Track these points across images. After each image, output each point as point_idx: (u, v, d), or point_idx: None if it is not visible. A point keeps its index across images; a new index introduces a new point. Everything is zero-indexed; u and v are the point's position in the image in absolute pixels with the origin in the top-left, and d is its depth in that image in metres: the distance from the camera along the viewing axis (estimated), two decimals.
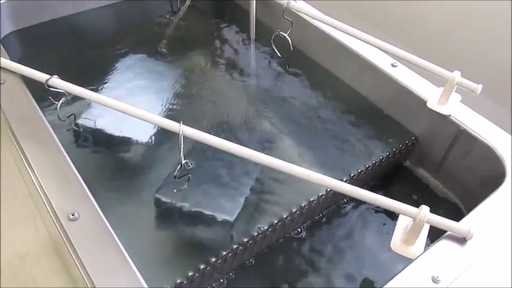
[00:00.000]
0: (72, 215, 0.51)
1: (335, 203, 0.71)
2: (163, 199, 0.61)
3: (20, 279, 0.68)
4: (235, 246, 0.58)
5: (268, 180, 0.67)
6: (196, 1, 1.04)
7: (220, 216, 0.60)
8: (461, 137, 0.69)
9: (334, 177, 0.55)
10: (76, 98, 0.71)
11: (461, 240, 0.52)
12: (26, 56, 0.90)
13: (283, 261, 0.64)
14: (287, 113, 0.80)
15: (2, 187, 0.75)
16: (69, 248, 0.48)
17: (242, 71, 0.90)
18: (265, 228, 0.60)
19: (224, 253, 0.57)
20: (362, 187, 0.53)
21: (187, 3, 1.02)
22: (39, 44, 0.93)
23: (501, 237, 0.53)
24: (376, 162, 0.71)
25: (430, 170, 0.77)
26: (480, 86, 0.66)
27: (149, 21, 1.02)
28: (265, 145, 0.74)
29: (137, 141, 0.73)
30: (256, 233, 0.59)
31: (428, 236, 0.54)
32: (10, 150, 0.65)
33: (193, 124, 0.60)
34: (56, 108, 0.69)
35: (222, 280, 0.60)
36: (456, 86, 0.68)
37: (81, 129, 0.73)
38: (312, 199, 0.64)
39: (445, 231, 0.53)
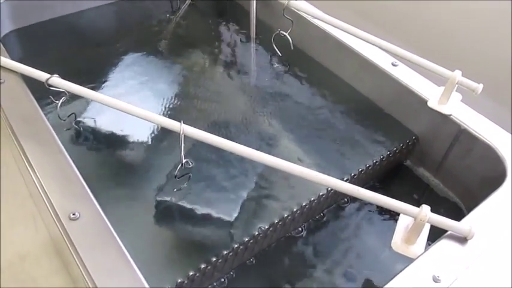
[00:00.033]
0: (73, 214, 0.51)
1: (336, 202, 0.71)
2: (164, 198, 0.61)
3: (20, 279, 0.68)
4: (236, 246, 0.58)
5: (269, 180, 0.67)
6: (196, 0, 1.04)
7: (221, 216, 0.60)
8: (462, 136, 0.69)
9: (334, 177, 0.55)
10: (76, 97, 0.70)
11: (462, 239, 0.52)
12: (26, 55, 0.90)
13: (284, 260, 0.64)
14: (287, 112, 0.80)
15: (2, 187, 0.75)
16: (70, 248, 0.48)
17: (242, 70, 0.90)
18: (266, 227, 0.60)
19: (225, 252, 0.57)
20: (363, 186, 0.53)
21: (188, 2, 1.02)
22: (39, 43, 0.93)
23: (502, 237, 0.53)
24: (376, 161, 0.71)
25: (431, 170, 0.77)
26: (481, 86, 0.66)
27: (149, 20, 1.02)
28: (266, 144, 0.74)
29: (138, 140, 0.73)
30: (257, 232, 0.59)
31: (428, 236, 0.54)
32: (10, 150, 0.65)
33: (194, 123, 0.60)
34: (57, 107, 0.69)
35: (223, 279, 0.60)
36: (457, 85, 0.68)
37: (82, 129, 0.73)
38: (312, 198, 0.64)
39: (446, 231, 0.53)
